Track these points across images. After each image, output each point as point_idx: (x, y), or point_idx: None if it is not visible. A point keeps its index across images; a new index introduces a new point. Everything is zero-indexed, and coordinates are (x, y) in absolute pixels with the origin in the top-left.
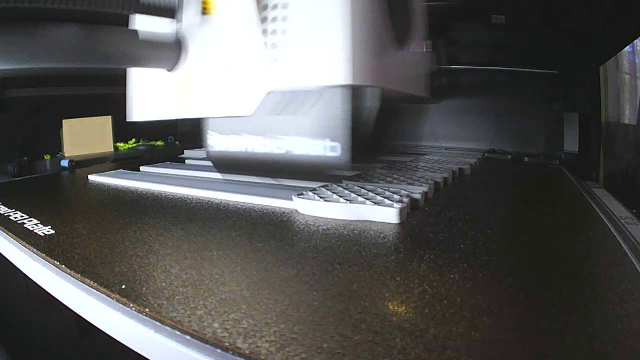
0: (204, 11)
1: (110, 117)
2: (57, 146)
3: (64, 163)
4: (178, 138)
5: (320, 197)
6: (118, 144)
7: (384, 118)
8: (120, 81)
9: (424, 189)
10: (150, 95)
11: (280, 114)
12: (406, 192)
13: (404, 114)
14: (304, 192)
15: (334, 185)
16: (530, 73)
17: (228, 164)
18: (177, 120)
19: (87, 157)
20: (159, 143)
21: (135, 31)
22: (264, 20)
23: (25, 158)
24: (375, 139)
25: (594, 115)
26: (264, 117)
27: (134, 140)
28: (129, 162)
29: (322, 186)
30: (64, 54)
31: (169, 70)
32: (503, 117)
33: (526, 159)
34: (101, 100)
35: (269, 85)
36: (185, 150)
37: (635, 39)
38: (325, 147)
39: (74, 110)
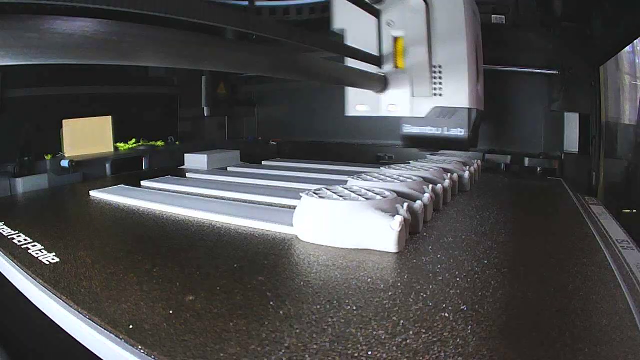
0: (396, 66)
1: (110, 117)
2: (57, 146)
3: (64, 163)
4: (178, 138)
5: (321, 197)
6: (118, 144)
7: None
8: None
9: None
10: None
11: (438, 117)
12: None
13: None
14: (308, 192)
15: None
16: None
17: (412, 139)
18: (177, 120)
19: (87, 157)
20: (159, 143)
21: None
22: (432, 73)
23: (26, 158)
24: (475, 133)
25: (594, 115)
26: (430, 118)
27: (134, 140)
28: (129, 172)
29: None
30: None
31: (377, 92)
32: (503, 118)
33: (526, 159)
34: (101, 100)
35: (433, 104)
36: (185, 155)
37: (635, 38)
38: (459, 130)
39: (74, 110)
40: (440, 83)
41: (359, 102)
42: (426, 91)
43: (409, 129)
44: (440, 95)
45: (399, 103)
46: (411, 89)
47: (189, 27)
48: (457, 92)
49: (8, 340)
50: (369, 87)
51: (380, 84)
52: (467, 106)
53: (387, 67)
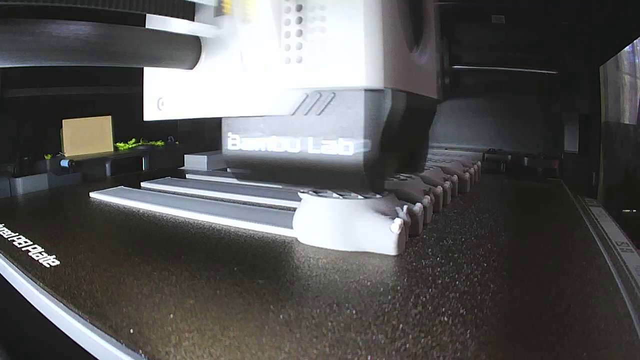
0: (222, 11)
1: (110, 117)
2: (57, 146)
3: (64, 163)
4: (178, 138)
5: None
6: (118, 144)
7: (408, 124)
8: (119, 81)
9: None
10: (168, 94)
11: (306, 114)
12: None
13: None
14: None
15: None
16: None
17: (243, 165)
18: (177, 120)
19: (87, 157)
20: (159, 143)
21: (155, 30)
22: (286, 22)
23: (26, 158)
24: (397, 145)
25: (594, 115)
26: (281, 117)
27: (133, 140)
28: (129, 173)
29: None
30: (78, 53)
31: (187, 69)
32: (504, 118)
33: (526, 159)
34: (101, 100)
35: (288, 85)
36: (185, 156)
37: (635, 39)
38: (344, 146)
39: (74, 110)
40: (300, 36)
41: (162, 97)
42: (273, 56)
43: (235, 144)
44: (302, 62)
45: (220, 88)
46: (240, 54)
47: None
48: (344, 54)
49: (9, 343)
50: (172, 62)
51: (190, 51)
52: (367, 85)
53: (204, 18)
